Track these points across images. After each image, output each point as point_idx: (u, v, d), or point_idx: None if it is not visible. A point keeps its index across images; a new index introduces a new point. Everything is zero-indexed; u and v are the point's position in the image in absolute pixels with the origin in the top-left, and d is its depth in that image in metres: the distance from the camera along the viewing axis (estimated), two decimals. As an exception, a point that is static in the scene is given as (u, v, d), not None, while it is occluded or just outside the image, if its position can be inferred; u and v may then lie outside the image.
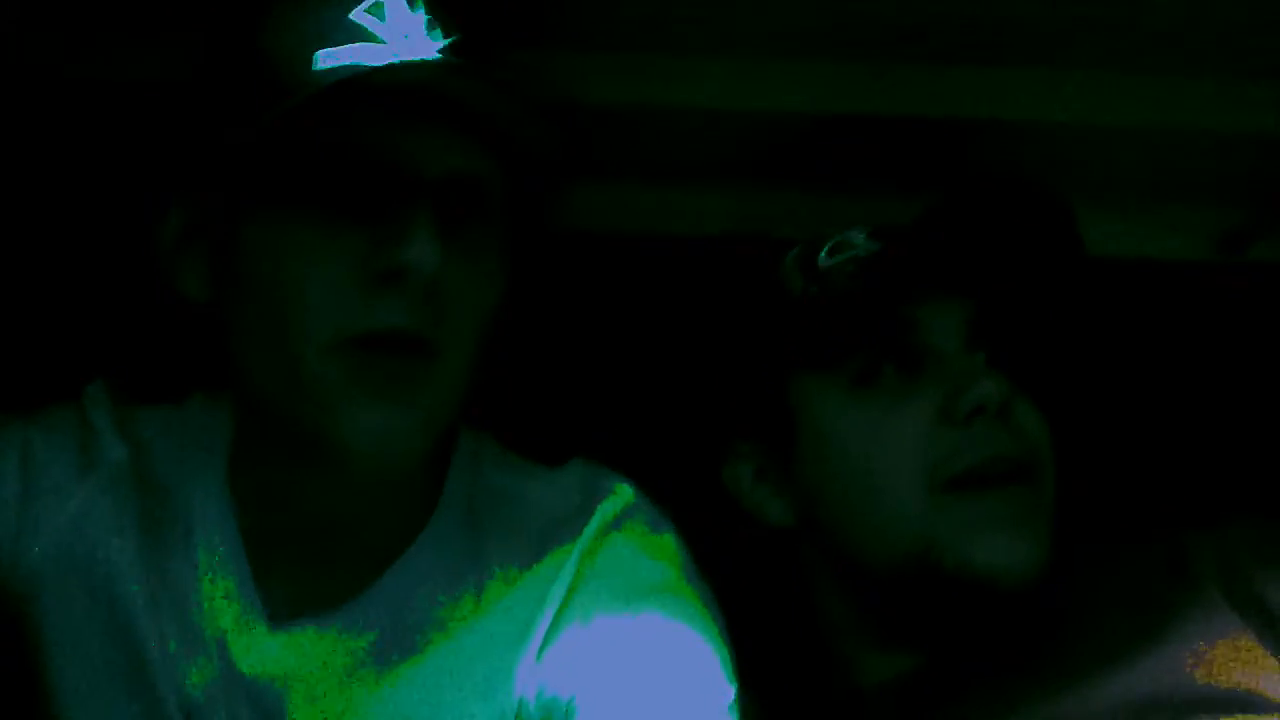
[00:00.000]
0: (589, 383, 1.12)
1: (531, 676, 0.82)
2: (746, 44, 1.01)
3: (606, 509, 0.86)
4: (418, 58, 0.77)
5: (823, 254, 0.92)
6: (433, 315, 0.77)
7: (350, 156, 0.77)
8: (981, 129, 1.05)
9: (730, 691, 0.80)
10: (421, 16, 0.78)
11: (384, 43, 0.77)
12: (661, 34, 1.00)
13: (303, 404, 0.77)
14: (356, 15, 0.77)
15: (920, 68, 1.04)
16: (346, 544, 0.85)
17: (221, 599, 0.85)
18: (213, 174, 0.80)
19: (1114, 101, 1.04)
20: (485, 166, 0.79)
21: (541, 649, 0.82)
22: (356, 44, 0.76)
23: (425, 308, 0.77)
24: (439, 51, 0.78)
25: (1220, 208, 1.11)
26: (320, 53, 0.76)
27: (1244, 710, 0.79)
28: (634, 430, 1.04)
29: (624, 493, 0.87)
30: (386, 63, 0.75)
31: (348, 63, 0.76)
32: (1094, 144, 1.07)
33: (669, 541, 0.86)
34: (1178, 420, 1.16)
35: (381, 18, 0.77)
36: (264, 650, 0.83)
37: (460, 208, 0.78)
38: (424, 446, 0.80)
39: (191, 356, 0.95)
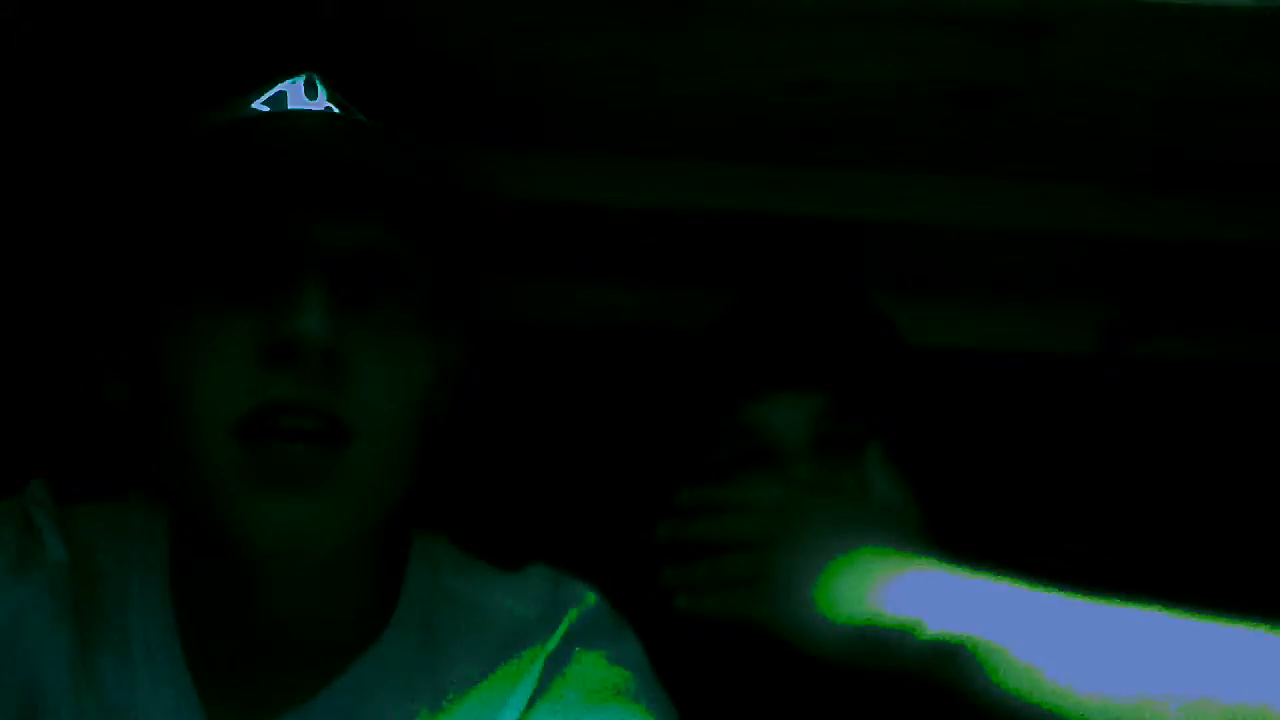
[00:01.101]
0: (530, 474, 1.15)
1: None
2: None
3: (573, 616, 0.85)
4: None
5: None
6: (335, 393, 0.75)
7: (242, 229, 0.76)
8: (874, 230, 1.10)
9: None
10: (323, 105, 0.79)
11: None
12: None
13: (208, 500, 0.76)
14: (256, 105, 0.79)
15: (818, 171, 1.08)
16: (293, 651, 0.82)
17: (161, 711, 0.81)
18: (130, 274, 0.80)
19: (996, 204, 1.10)
20: (395, 242, 0.79)
21: None
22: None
23: (325, 385, 0.74)
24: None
25: (1099, 305, 1.17)
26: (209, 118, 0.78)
27: None
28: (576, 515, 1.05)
29: (589, 600, 0.87)
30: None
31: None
32: (980, 244, 1.12)
33: (630, 648, 0.86)
34: (1065, 508, 1.20)
35: (282, 108, 0.79)
36: None
37: (369, 283, 0.77)
38: (341, 543, 0.78)
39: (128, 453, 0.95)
